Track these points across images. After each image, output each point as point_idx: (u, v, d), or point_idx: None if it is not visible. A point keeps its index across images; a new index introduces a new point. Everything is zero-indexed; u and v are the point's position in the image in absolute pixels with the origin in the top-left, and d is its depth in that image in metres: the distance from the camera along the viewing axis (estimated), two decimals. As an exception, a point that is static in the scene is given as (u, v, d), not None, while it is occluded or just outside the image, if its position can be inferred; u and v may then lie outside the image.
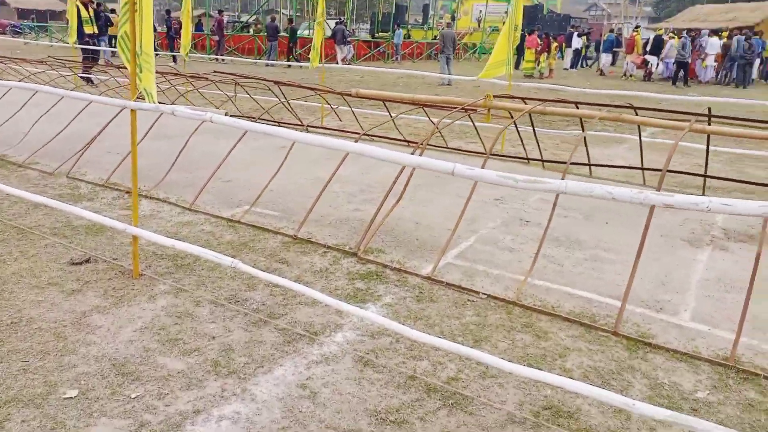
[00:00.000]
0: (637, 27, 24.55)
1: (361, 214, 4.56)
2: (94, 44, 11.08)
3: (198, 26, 28.42)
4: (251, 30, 27.44)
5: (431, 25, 40.04)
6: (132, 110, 3.16)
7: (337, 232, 4.16)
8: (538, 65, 21.50)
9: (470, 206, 4.72)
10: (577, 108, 5.16)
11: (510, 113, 5.44)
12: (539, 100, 5.39)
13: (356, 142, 3.90)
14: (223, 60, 20.65)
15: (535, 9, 41.86)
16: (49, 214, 4.30)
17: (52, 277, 3.28)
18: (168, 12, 28.31)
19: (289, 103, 7.73)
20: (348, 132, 6.92)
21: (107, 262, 3.52)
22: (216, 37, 22.44)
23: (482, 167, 3.21)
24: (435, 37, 34.98)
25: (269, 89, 7.34)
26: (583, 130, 5.05)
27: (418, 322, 2.89)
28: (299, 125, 7.42)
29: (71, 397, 2.26)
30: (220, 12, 23.46)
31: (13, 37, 36.85)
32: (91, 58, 11.31)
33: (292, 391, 2.36)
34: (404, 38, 28.88)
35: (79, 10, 10.72)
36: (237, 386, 2.37)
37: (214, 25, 22.72)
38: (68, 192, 4.89)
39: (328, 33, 31.41)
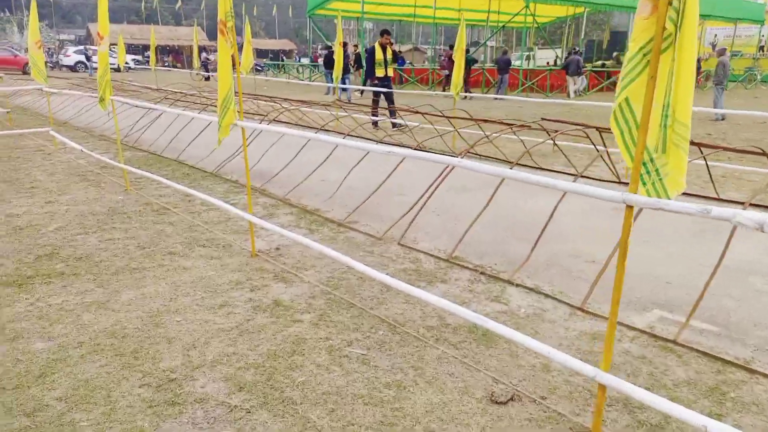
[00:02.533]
0: None
1: None
2: (385, 86, 10.86)
3: (400, 60, 28.78)
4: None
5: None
6: (629, 206, 2.11)
7: None
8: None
9: None
10: None
11: None
12: None
13: None
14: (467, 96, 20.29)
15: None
16: (410, 302, 3.53)
17: (484, 429, 2.35)
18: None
19: (602, 154, 6.47)
20: None
21: (537, 404, 2.52)
22: (446, 72, 22.24)
23: None
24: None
25: (585, 134, 6.13)
26: None
27: None
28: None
29: None
30: (451, 47, 23.24)
31: (255, 75, 41.51)
32: (378, 102, 11.12)
33: None
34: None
35: (373, 52, 10.60)
36: None
37: (444, 60, 22.59)
38: (411, 267, 4.15)
39: (540, 63, 29.90)
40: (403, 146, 7.66)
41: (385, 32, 10.96)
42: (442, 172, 5.02)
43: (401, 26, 42.13)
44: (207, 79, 30.72)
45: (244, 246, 4.59)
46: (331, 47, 25.33)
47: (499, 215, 5.41)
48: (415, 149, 4.89)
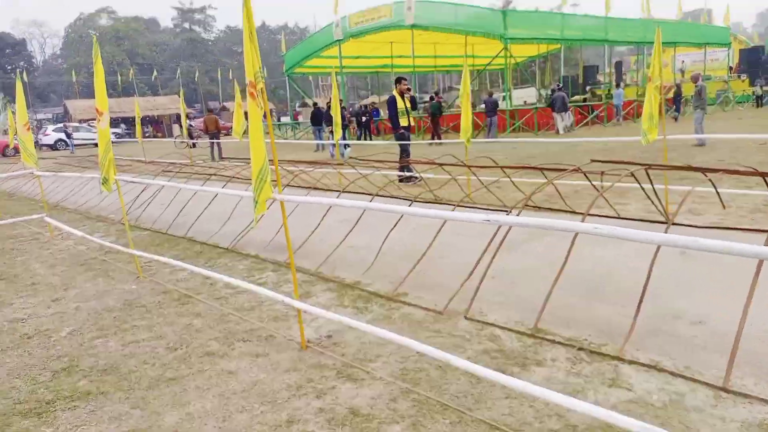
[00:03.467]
0: None
1: None
2: (408, 138, 10.38)
3: (374, 111, 28.50)
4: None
5: (627, 82, 37.19)
6: None
7: None
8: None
9: None
10: None
11: None
12: None
13: None
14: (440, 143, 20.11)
15: (756, 52, 37.07)
16: (512, 396, 2.96)
17: None
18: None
19: (648, 192, 6.05)
20: None
21: None
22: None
23: None
24: (641, 94, 31.87)
25: (632, 176, 5.71)
26: None
27: None
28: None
29: None
30: (436, 93, 23.32)
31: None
32: (407, 154, 10.60)
33: None
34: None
35: (395, 101, 10.13)
36: None
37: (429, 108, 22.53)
38: (493, 347, 3.60)
39: (517, 102, 30.12)
40: (431, 203, 7.20)
41: (401, 79, 10.50)
42: (496, 232, 4.54)
43: (378, 77, 42.72)
44: (193, 146, 30.37)
45: (289, 336, 4.02)
46: (316, 104, 25.23)
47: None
48: (431, 202, 4.43)
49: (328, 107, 23.89)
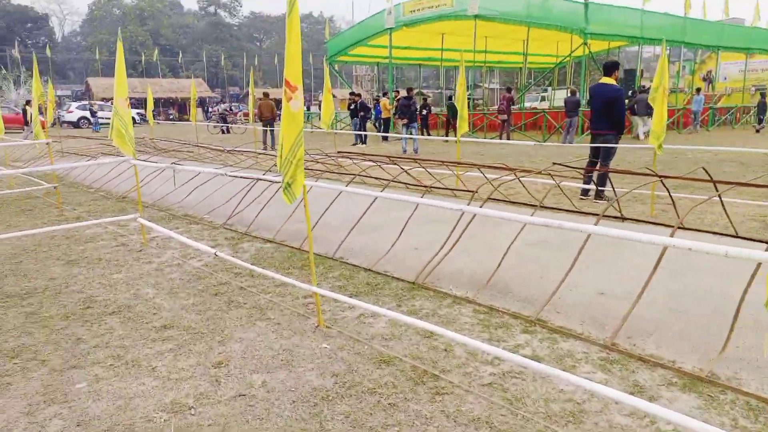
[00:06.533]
0: None
1: None
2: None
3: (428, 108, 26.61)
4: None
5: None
6: None
7: None
8: None
9: None
10: None
11: None
12: None
13: None
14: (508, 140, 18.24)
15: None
16: None
17: None
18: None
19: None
20: None
21: None
22: (504, 116, 20.27)
23: None
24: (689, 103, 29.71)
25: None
26: None
27: None
28: None
29: None
30: (509, 90, 21.41)
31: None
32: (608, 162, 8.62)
33: None
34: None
35: (623, 96, 8.23)
36: None
37: (502, 104, 20.65)
38: None
39: (558, 104, 28.13)
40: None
41: (617, 64, 8.31)
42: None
43: (417, 70, 40.93)
44: (226, 132, 28.46)
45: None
46: (359, 95, 23.37)
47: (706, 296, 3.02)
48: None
49: (377, 98, 22.22)
